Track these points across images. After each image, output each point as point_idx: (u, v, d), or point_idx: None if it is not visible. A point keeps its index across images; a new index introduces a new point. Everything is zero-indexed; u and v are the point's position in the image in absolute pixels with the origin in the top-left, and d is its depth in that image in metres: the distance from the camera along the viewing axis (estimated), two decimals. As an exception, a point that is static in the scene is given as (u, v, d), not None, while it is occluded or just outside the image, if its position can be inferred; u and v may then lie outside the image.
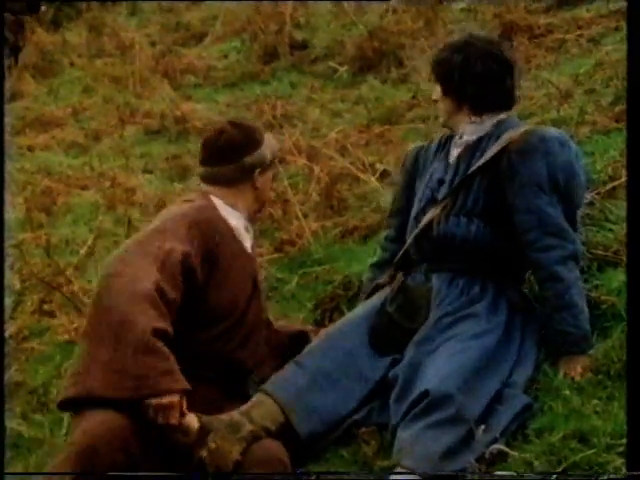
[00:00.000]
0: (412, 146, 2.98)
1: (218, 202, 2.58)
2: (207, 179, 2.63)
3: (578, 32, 5.24)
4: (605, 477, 1.99)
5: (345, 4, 7.83)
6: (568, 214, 2.46)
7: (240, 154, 2.59)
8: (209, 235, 2.47)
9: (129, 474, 2.11)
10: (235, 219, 2.60)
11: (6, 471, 2.62)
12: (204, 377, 2.44)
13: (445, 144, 2.74)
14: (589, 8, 5.55)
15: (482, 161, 2.52)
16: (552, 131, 2.54)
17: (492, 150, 2.51)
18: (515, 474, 2.09)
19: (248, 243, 2.66)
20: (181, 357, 2.28)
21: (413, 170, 2.82)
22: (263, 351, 2.70)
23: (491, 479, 2.15)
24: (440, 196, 2.61)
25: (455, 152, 2.67)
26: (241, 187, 2.62)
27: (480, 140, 2.60)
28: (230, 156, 2.58)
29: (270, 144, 2.70)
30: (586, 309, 2.43)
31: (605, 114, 3.72)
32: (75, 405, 2.20)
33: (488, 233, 2.51)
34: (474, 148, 2.61)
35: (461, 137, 2.66)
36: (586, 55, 4.86)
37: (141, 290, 2.22)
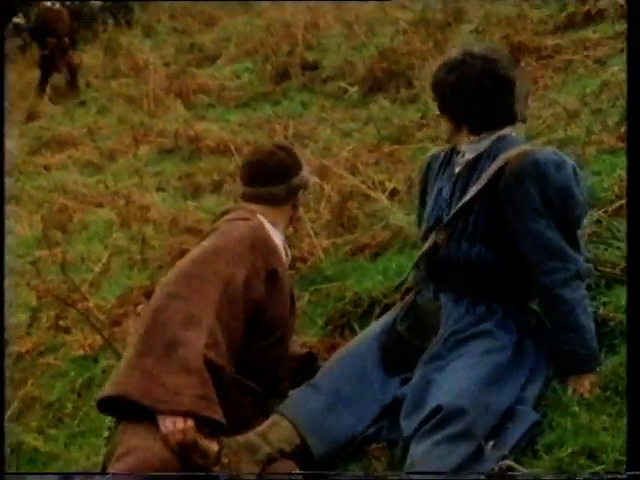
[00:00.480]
0: (428, 154, 2.95)
1: (263, 220, 2.62)
2: (253, 198, 2.67)
3: (585, 53, 5.26)
4: (605, 477, 1.98)
5: (355, 26, 7.89)
6: (568, 234, 2.43)
7: (288, 176, 2.67)
8: (268, 254, 2.52)
9: (156, 474, 2.12)
10: (277, 237, 2.65)
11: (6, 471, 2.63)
12: (248, 388, 2.47)
13: (450, 157, 2.72)
14: (595, 30, 5.57)
15: (478, 187, 2.48)
16: (547, 153, 2.46)
17: (487, 173, 2.47)
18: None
19: (286, 259, 2.72)
20: (236, 364, 2.33)
21: (425, 179, 2.82)
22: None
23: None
24: (444, 216, 2.60)
25: (457, 169, 2.66)
26: (283, 207, 2.68)
27: (479, 157, 2.58)
28: (280, 177, 2.65)
29: (306, 166, 2.78)
30: (593, 327, 2.41)
31: (611, 134, 3.72)
32: (113, 406, 2.21)
33: (490, 256, 2.48)
34: (473, 166, 2.59)
35: (463, 155, 2.65)
36: (592, 76, 4.86)
37: (199, 316, 2.24)
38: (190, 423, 2.14)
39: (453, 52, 2.67)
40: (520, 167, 2.40)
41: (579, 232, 2.53)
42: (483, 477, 2.13)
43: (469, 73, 2.54)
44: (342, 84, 6.98)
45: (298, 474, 2.36)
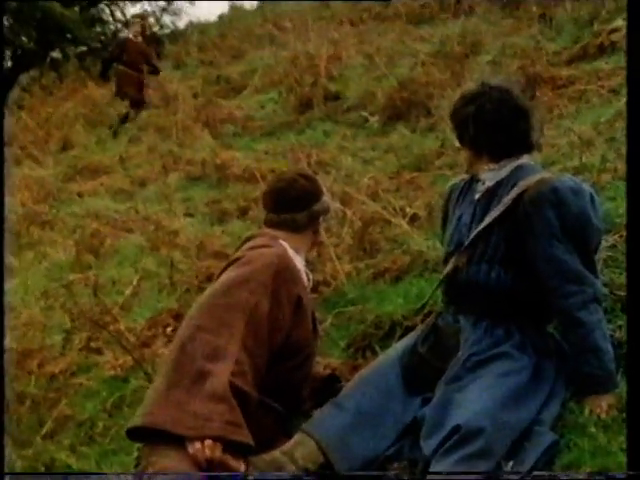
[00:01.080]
0: (448, 184, 2.96)
1: (286, 246, 2.64)
2: (276, 225, 2.70)
3: (598, 83, 5.26)
4: (605, 477, 1.95)
5: (376, 58, 7.94)
6: (585, 259, 2.42)
7: (310, 202, 2.70)
8: (291, 281, 2.53)
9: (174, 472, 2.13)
10: (299, 262, 2.67)
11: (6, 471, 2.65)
12: (272, 409, 2.49)
13: (470, 185, 2.74)
14: (608, 61, 5.58)
15: (497, 212, 2.50)
16: (565, 180, 2.47)
17: (507, 199, 2.49)
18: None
19: (307, 283, 2.73)
20: (261, 386, 2.34)
21: (446, 207, 2.84)
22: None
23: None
24: (465, 241, 2.61)
25: (477, 196, 2.67)
26: (305, 232, 2.71)
27: (499, 185, 2.59)
28: (302, 204, 2.68)
29: (327, 193, 2.80)
30: (610, 349, 2.39)
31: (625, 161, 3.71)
32: (142, 434, 2.22)
33: (509, 280, 2.48)
34: (492, 193, 2.60)
35: (483, 183, 2.65)
36: (606, 105, 4.86)
37: (224, 346, 2.26)
38: (219, 446, 2.15)
39: (471, 84, 2.73)
40: (539, 194, 2.41)
41: (596, 256, 2.53)
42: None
43: (487, 104, 2.56)
44: (363, 114, 7.02)
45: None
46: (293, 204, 2.68)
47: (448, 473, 2.16)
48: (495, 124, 2.56)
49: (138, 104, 9.63)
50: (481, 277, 2.52)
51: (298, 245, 2.69)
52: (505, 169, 2.60)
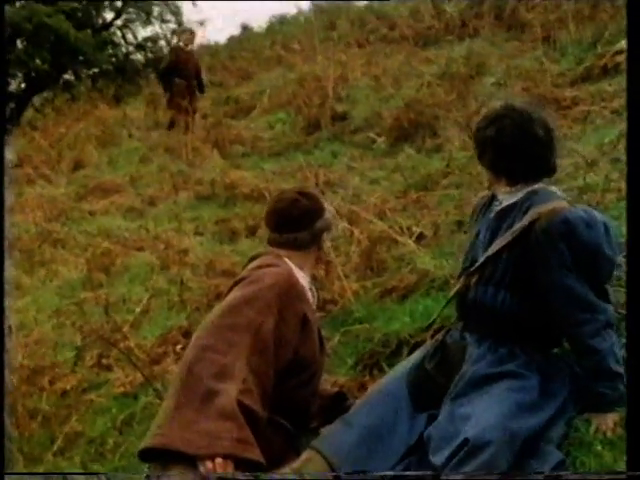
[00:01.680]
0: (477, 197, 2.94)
1: (291, 265, 2.65)
2: (280, 244, 2.70)
3: (602, 104, 5.28)
4: (605, 477, 1.94)
5: (383, 79, 7.98)
6: (596, 287, 2.41)
7: (312, 221, 2.70)
8: (296, 299, 2.53)
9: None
10: (304, 280, 2.67)
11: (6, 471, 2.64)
12: (280, 426, 2.48)
13: (491, 202, 2.71)
14: (611, 82, 5.60)
15: (508, 238, 2.49)
16: (578, 212, 2.43)
17: (519, 225, 2.48)
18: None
19: (313, 300, 2.72)
20: (268, 404, 2.34)
21: (470, 223, 2.84)
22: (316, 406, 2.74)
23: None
24: (478, 258, 2.61)
25: (491, 216, 2.66)
26: (309, 250, 2.71)
27: (512, 207, 2.58)
28: (304, 223, 2.68)
29: (329, 208, 2.80)
30: (622, 371, 2.37)
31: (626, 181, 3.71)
32: (153, 455, 2.23)
33: (514, 303, 2.47)
34: (505, 214, 2.59)
35: (500, 203, 2.65)
36: (610, 126, 4.87)
37: (231, 366, 2.26)
38: (230, 464, 2.15)
39: (496, 105, 2.66)
40: (550, 224, 2.40)
41: (607, 284, 2.51)
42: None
43: (507, 128, 2.53)
44: (370, 134, 7.05)
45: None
46: (295, 223, 2.68)
47: (462, 473, 2.15)
48: (514, 149, 2.53)
49: (188, 112, 9.53)
50: (487, 299, 2.52)
51: (303, 263, 2.69)
52: (520, 193, 2.58)
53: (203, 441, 2.14)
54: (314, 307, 2.73)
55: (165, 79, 9.69)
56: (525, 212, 2.50)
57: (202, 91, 9.75)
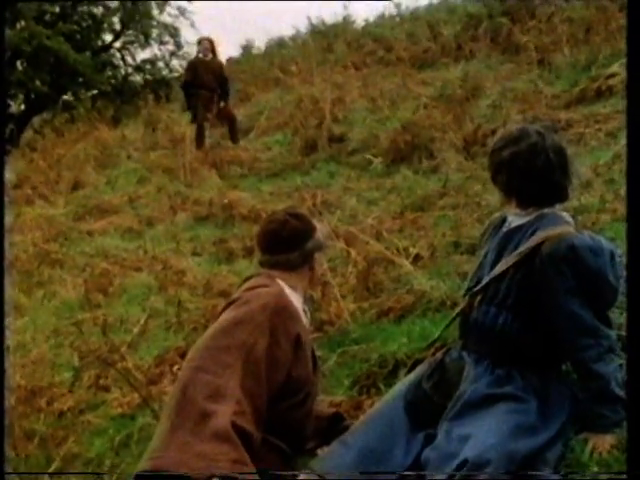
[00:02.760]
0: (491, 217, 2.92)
1: (283, 286, 2.64)
2: (271, 265, 2.70)
3: (596, 127, 5.31)
4: (605, 477, 1.93)
5: (379, 101, 8.03)
6: (600, 312, 2.42)
7: (303, 241, 2.69)
8: (289, 320, 2.52)
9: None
10: (296, 300, 2.66)
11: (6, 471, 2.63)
12: (275, 447, 2.47)
13: (502, 223, 2.71)
14: (606, 105, 5.64)
15: (512, 260, 2.49)
16: (585, 238, 2.43)
17: (524, 249, 2.48)
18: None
19: (306, 321, 2.71)
20: (263, 425, 2.34)
21: (480, 241, 2.83)
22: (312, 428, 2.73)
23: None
24: (484, 278, 2.60)
25: (500, 236, 2.65)
26: (301, 270, 2.70)
27: (519, 228, 2.58)
28: (294, 244, 2.68)
29: (321, 228, 2.80)
30: (623, 395, 2.36)
31: (624, 203, 3.73)
32: (150, 478, 2.22)
33: (515, 326, 2.47)
34: (511, 236, 2.59)
35: (509, 224, 2.65)
36: (604, 148, 4.90)
37: (224, 387, 2.26)
38: None
39: (512, 128, 2.65)
40: (557, 249, 2.40)
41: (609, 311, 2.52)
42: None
43: (522, 153, 2.52)
44: (367, 156, 7.07)
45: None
46: (286, 245, 2.67)
47: (469, 473, 2.14)
48: (527, 173, 2.52)
49: (228, 120, 9.43)
50: (488, 319, 2.52)
51: (295, 283, 2.68)
52: (529, 215, 2.57)
53: (199, 463, 2.13)
54: (308, 328, 2.73)
55: (186, 94, 9.60)
56: (531, 235, 2.50)
57: (225, 100, 9.54)
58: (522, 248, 2.49)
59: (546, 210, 2.57)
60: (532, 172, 2.51)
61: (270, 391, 2.40)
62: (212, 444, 2.16)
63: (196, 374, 2.29)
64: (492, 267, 2.59)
